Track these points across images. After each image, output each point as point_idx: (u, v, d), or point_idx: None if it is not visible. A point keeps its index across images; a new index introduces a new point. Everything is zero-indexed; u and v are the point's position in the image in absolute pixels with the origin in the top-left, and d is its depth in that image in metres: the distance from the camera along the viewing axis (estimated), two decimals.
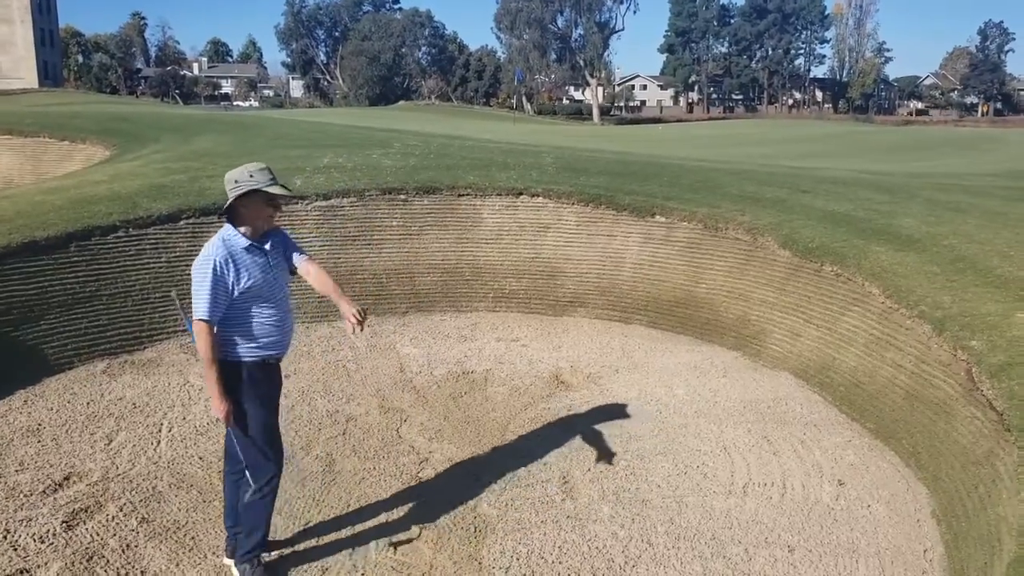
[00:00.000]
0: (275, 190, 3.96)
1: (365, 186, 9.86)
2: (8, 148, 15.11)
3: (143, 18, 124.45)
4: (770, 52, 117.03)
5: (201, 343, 3.86)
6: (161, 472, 5.27)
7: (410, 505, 4.99)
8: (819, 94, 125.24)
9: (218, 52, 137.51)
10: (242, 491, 4.17)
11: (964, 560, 4.18)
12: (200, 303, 3.84)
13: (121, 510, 4.79)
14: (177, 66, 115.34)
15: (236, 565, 4.23)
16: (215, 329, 3.91)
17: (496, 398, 6.75)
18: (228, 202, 3.94)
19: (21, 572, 4.15)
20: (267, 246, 4.08)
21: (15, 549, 4.34)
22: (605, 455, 5.70)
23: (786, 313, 7.77)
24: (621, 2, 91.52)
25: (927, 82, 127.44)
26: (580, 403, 6.64)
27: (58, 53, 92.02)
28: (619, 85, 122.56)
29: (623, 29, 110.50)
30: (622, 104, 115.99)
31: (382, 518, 4.84)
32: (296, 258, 4.25)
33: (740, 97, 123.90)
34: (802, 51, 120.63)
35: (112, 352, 7.22)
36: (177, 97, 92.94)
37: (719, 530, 4.76)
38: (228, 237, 3.96)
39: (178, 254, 8.24)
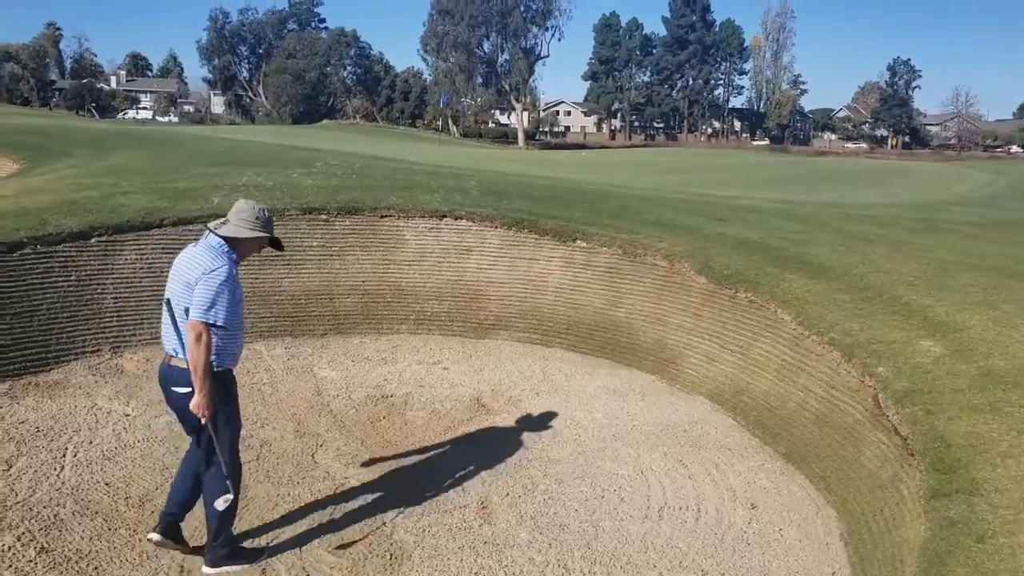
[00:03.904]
0: (275, 243, 4.56)
1: (285, 205, 9.71)
2: None
3: (58, 29, 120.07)
4: (691, 82, 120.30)
5: (205, 346, 4.12)
6: (64, 499, 5.04)
7: (325, 532, 4.90)
8: (737, 124, 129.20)
9: (137, 66, 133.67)
10: (216, 498, 4.36)
11: None
12: (218, 308, 4.17)
13: (19, 540, 4.56)
14: (94, 79, 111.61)
15: (227, 563, 4.48)
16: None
17: (416, 422, 6.70)
18: (244, 234, 4.34)
19: None
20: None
21: None
22: (524, 480, 5.71)
23: (702, 338, 7.95)
24: (546, 29, 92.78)
25: (840, 114, 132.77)
26: (501, 427, 6.65)
27: None
28: (544, 110, 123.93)
29: (548, 56, 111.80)
30: (547, 129, 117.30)
31: (294, 545, 4.73)
32: None
33: (661, 125, 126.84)
34: (721, 82, 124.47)
35: (16, 373, 6.88)
36: (93, 111, 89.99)
37: (635, 554, 4.81)
38: (229, 253, 4.33)
39: (89, 272, 7.95)
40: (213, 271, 4.18)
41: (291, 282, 8.99)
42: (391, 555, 4.70)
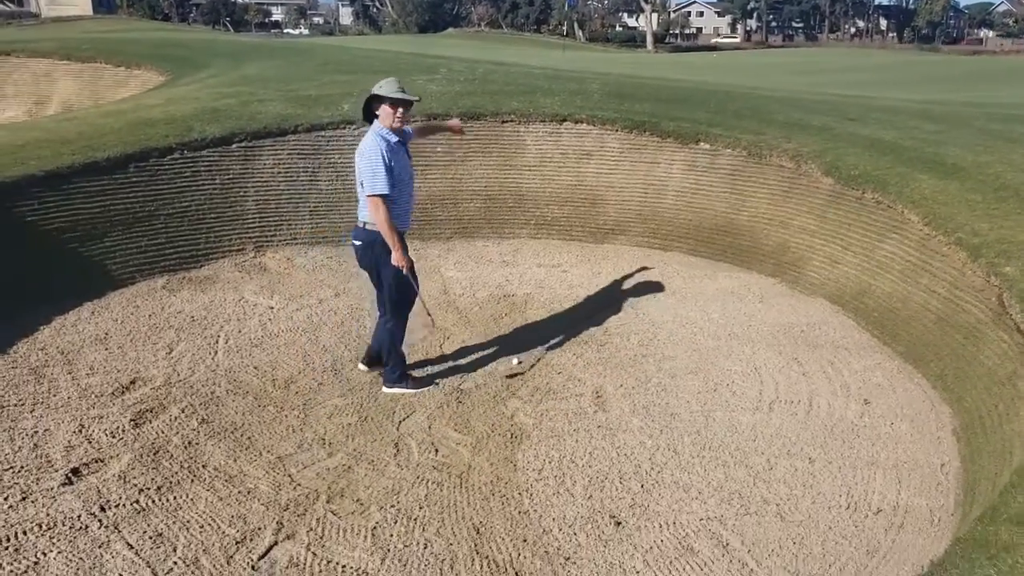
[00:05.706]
0: (386, 92, 5.02)
1: (411, 111, 9.96)
2: (67, 73, 15.51)
3: None
4: None
5: (384, 213, 4.98)
6: (219, 379, 5.65)
7: (451, 414, 5.29)
8: (883, 22, 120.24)
9: None
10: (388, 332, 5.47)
11: (977, 472, 4.35)
12: (379, 182, 4.96)
13: (183, 412, 5.18)
14: None
15: (397, 385, 5.56)
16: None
17: (535, 319, 6.99)
18: (382, 92, 5.03)
19: (96, 461, 4.58)
20: (405, 142, 5.29)
21: (90, 442, 4.76)
22: (638, 373, 5.93)
23: (826, 240, 7.81)
24: None
25: (1001, 8, 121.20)
26: (616, 326, 6.84)
27: None
28: (674, 12, 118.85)
29: None
30: (677, 32, 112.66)
31: (424, 424, 5.16)
32: (409, 135, 5.45)
33: (800, 25, 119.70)
34: None
35: (171, 269, 7.59)
36: (228, 24, 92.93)
37: (743, 442, 4.98)
38: (381, 132, 5.09)
39: (232, 176, 8.54)
40: (366, 150, 5.02)
41: (418, 187, 9.27)
42: (511, 435, 5.05)
